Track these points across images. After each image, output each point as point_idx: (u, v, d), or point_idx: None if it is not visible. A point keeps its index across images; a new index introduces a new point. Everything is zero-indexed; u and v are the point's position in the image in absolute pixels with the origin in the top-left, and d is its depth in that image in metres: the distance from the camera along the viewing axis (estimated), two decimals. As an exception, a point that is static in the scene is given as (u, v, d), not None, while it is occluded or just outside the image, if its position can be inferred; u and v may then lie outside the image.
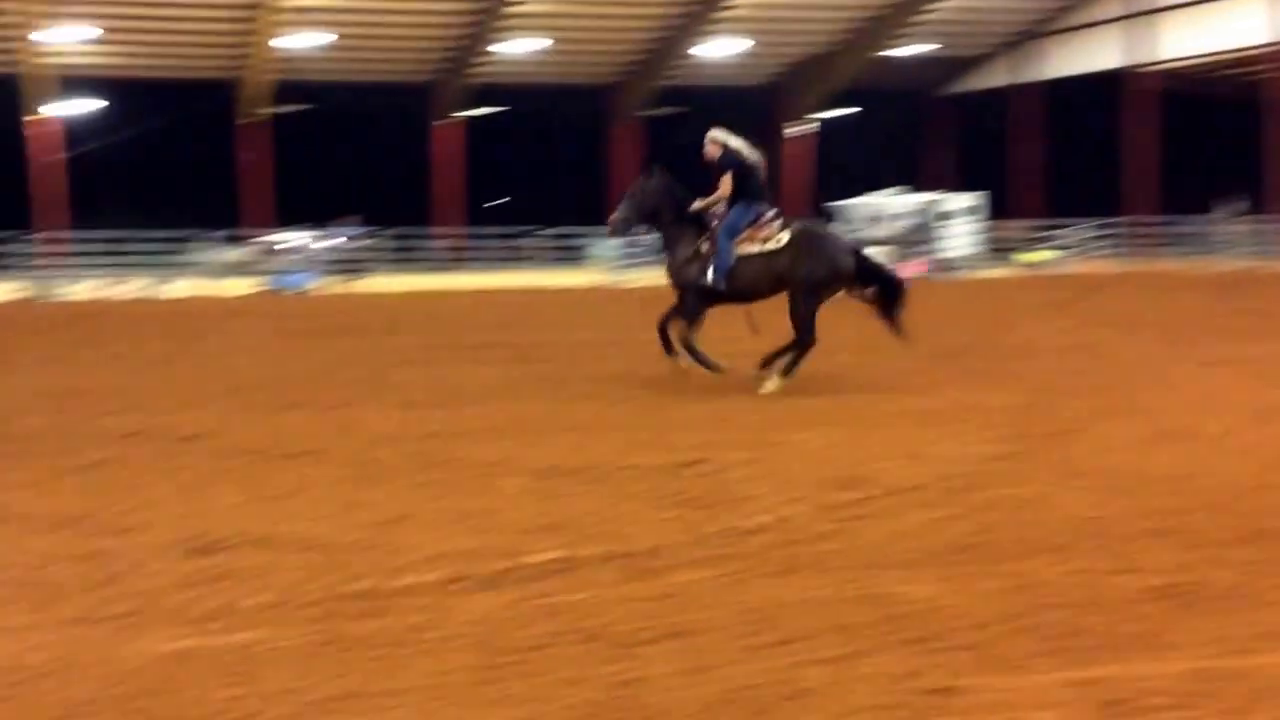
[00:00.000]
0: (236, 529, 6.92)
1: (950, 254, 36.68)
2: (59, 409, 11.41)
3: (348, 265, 34.81)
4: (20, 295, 29.85)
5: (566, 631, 5.29)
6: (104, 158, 40.72)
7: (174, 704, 4.58)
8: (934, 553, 6.38)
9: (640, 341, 14.53)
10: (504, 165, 46.74)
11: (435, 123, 44.73)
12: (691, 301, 12.27)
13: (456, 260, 39.80)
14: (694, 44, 43.63)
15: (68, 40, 38.14)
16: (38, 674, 4.83)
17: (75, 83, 40.32)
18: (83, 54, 39.50)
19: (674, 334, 12.27)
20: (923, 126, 51.65)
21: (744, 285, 12.05)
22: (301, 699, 4.62)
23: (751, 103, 47.56)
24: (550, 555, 6.36)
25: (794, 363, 11.98)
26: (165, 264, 33.67)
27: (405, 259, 38.47)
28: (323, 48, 40.17)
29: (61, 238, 37.31)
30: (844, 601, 5.61)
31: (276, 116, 42.98)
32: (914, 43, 45.22)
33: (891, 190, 39.10)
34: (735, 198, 12.17)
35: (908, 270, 31.92)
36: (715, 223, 12.18)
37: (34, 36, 37.21)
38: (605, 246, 34.26)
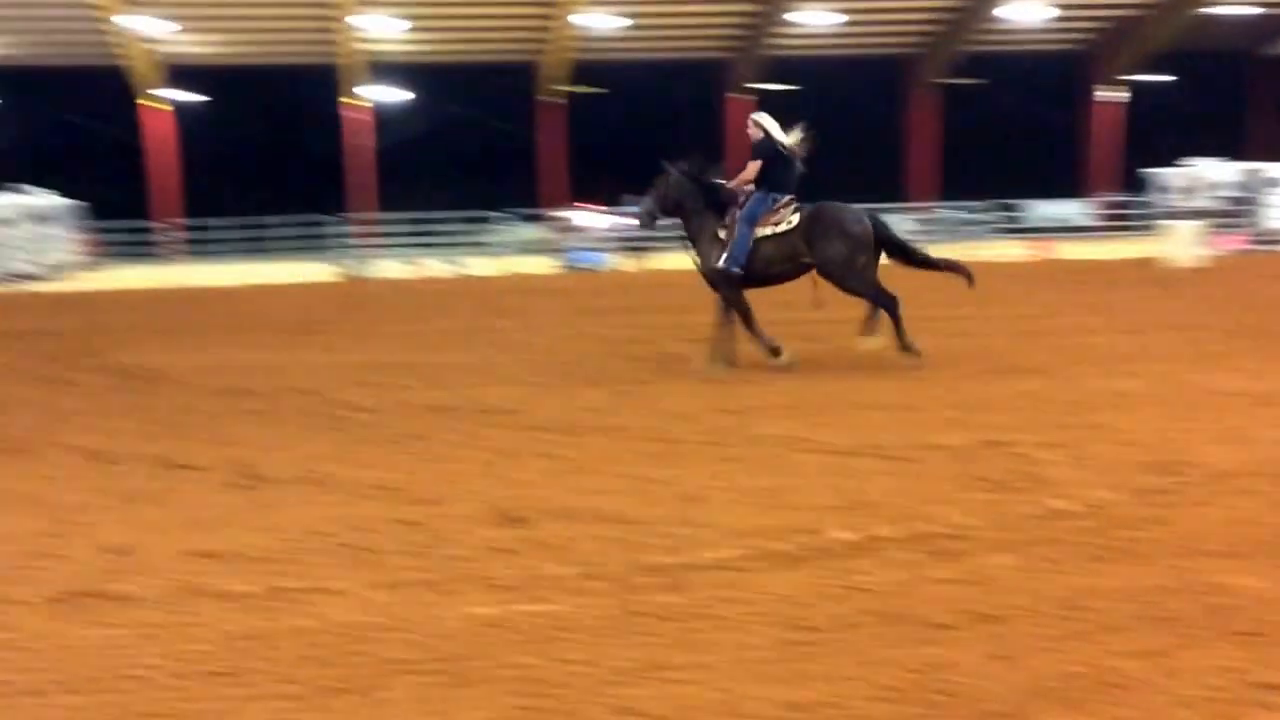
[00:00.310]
0: (540, 501, 7.09)
1: (1276, 226, 34.62)
2: (372, 384, 11.92)
3: (641, 243, 35.29)
4: (335, 275, 31.36)
5: (870, 612, 5.21)
6: (408, 140, 42.47)
7: (481, 668, 4.71)
8: (1262, 542, 6.01)
9: (937, 319, 14.23)
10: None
11: (728, 96, 44.85)
12: (727, 291, 12.40)
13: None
14: (998, 8, 42.23)
15: (379, 27, 39.83)
16: (356, 635, 5.04)
17: (384, 69, 42.17)
18: (392, 41, 41.22)
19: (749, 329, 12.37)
20: (1246, 90, 48.72)
21: (758, 267, 12.22)
22: (608, 668, 4.69)
23: (1058, 68, 45.94)
24: (851, 534, 6.28)
25: (896, 326, 12.03)
26: (467, 243, 34.89)
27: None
28: (620, 27, 40.74)
29: (372, 219, 39.14)
30: (1163, 591, 5.34)
31: (572, 96, 43.92)
32: (1236, 2, 42.58)
33: (1211, 158, 37.15)
34: (760, 185, 12.31)
35: (1227, 244, 30.35)
36: (740, 201, 12.34)
37: (350, 20, 39.02)
38: (899, 223, 33.64)
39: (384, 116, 43.12)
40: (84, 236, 37.22)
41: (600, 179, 40.17)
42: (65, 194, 36.88)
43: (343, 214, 36.14)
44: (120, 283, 30.04)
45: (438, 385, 11.69)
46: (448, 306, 21.62)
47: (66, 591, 5.61)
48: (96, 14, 37.84)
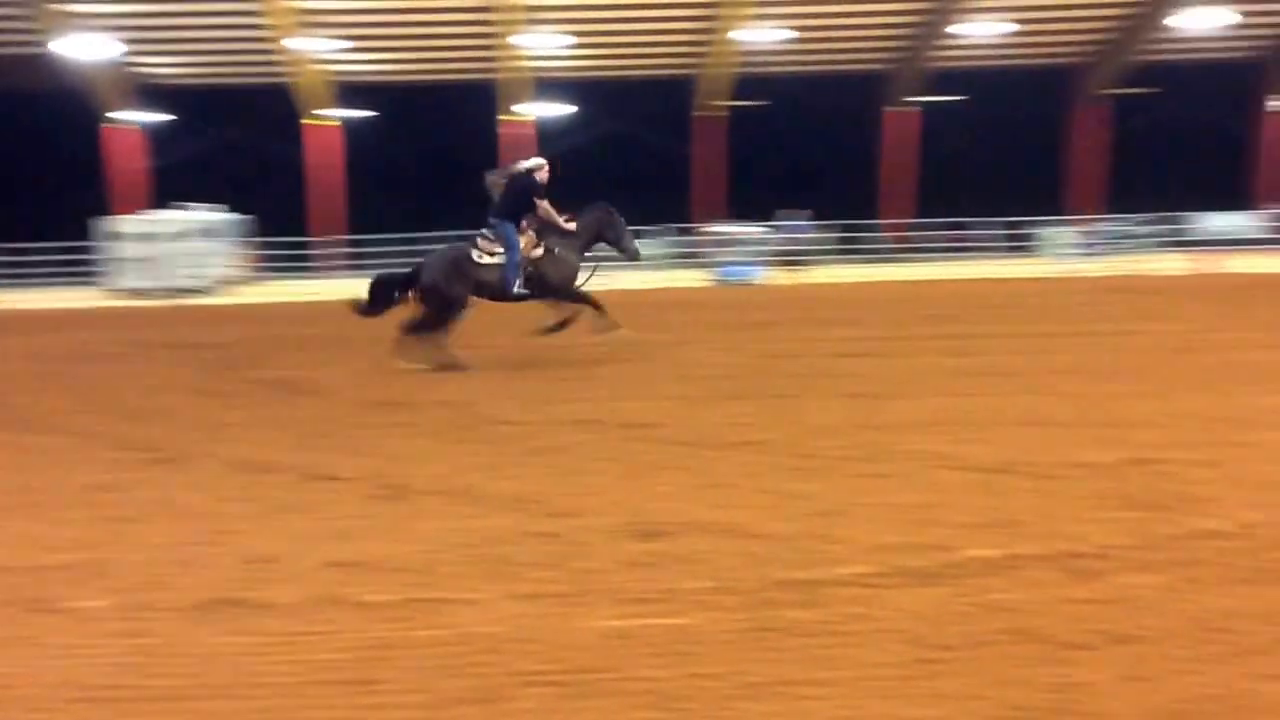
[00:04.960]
0: (677, 515, 7.09)
1: None
2: (519, 396, 12.06)
3: (795, 257, 35.18)
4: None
5: (1004, 630, 5.12)
6: (567, 155, 42.91)
7: (610, 681, 4.74)
8: None
9: (1096, 334, 13.93)
10: (957, 152, 45.60)
11: (886, 110, 44.45)
12: None
13: (903, 251, 39.46)
14: (1171, 17, 40.94)
15: (541, 44, 40.28)
16: (490, 645, 5.11)
17: (547, 85, 42.69)
18: (554, 57, 41.67)
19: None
20: None
21: None
22: (735, 682, 4.68)
23: (1232, 77, 44.52)
24: (989, 552, 6.18)
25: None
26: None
27: (852, 250, 38.51)
28: (780, 41, 40.55)
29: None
30: (1313, 615, 5.15)
31: (732, 110, 43.93)
32: None
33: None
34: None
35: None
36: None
37: (512, 40, 39.58)
38: (1060, 235, 33.06)
39: (546, 132, 43.63)
40: (247, 251, 38.33)
41: (759, 193, 40.09)
42: (234, 211, 38.10)
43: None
44: (280, 296, 30.86)
45: (581, 398, 11.78)
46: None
47: (208, 599, 5.78)
48: (269, 35, 39.01)
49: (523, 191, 14.47)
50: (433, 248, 35.10)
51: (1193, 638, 4.95)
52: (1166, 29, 41.49)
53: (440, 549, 6.56)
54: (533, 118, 43.61)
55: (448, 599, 5.73)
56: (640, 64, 42.97)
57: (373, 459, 9.06)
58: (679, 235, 37.93)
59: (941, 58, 42.95)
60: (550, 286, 14.55)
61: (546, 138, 43.51)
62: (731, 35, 40.23)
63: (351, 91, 43.63)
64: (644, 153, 46.19)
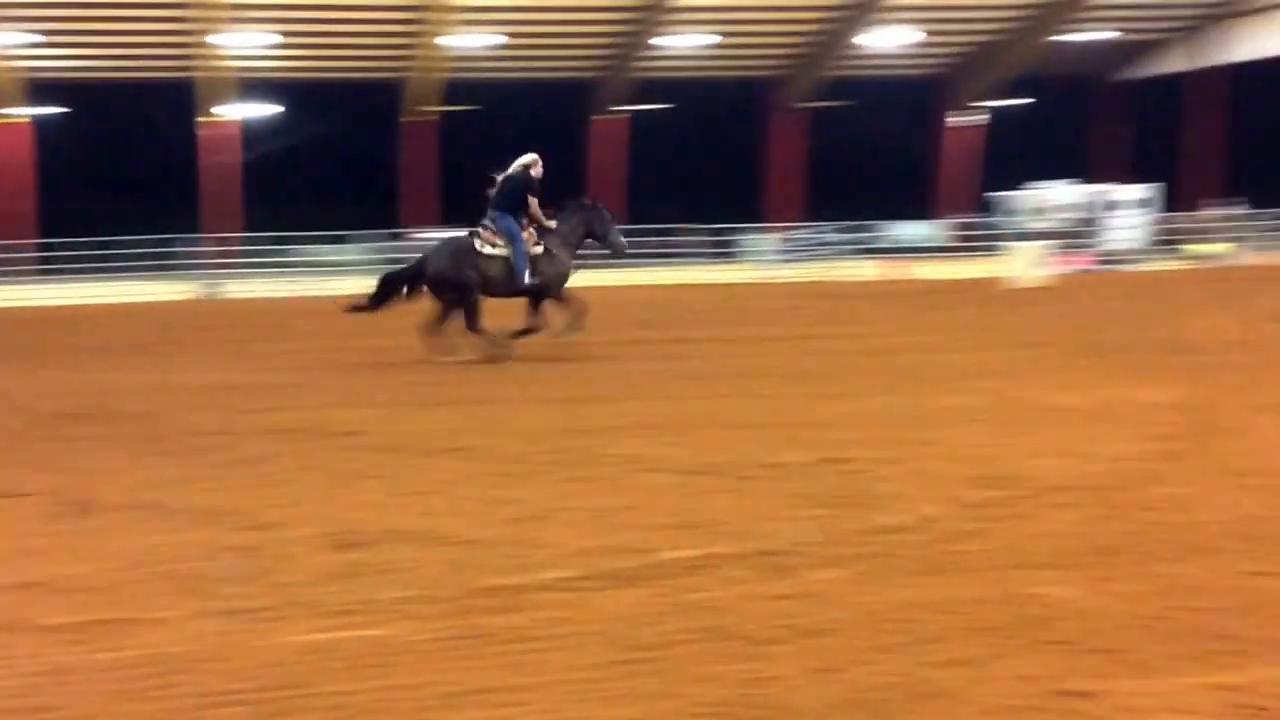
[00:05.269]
0: (380, 524, 7.02)
1: (1118, 247, 35.71)
2: (219, 405, 11.73)
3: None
4: (188, 295, 30.73)
5: (699, 629, 5.24)
6: (272, 158, 41.95)
7: (307, 696, 4.63)
8: (1080, 554, 6.18)
9: (793, 338, 14.41)
10: (664, 160, 46.66)
11: (595, 118, 45.04)
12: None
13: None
14: (860, 35, 42.94)
15: (243, 44, 39.25)
16: (178, 666, 4.93)
17: (251, 85, 41.61)
18: (257, 57, 40.66)
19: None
20: (1094, 115, 50.20)
21: None
22: (432, 693, 4.65)
23: (918, 93, 46.91)
24: (687, 552, 6.32)
25: None
26: (328, 263, 34.44)
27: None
28: (489, 47, 40.63)
29: (231, 238, 38.49)
30: (982, 603, 5.46)
31: (443, 115, 43.74)
32: (1090, 28, 43.86)
33: (1060, 181, 38.25)
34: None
35: (1071, 264, 31.14)
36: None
37: (211, 40, 38.42)
38: (761, 243, 34.08)
39: (249, 133, 42.53)
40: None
41: (471, 198, 40.01)
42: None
43: (199, 232, 35.46)
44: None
45: (287, 407, 11.53)
46: (301, 327, 21.33)
47: None
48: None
49: (519, 187, 14.86)
50: (129, 252, 34.09)
51: (874, 629, 5.18)
52: (856, 46, 43.44)
53: (127, 567, 6.30)
54: (236, 118, 42.44)
55: (134, 619, 5.50)
56: (348, 66, 42.39)
57: (56, 474, 8.65)
58: (388, 240, 37.43)
59: (648, 68, 43.80)
60: (543, 285, 14.94)
61: (251, 139, 42.47)
62: (440, 40, 40.07)
63: (42, 88, 41.55)
64: (352, 156, 45.62)
